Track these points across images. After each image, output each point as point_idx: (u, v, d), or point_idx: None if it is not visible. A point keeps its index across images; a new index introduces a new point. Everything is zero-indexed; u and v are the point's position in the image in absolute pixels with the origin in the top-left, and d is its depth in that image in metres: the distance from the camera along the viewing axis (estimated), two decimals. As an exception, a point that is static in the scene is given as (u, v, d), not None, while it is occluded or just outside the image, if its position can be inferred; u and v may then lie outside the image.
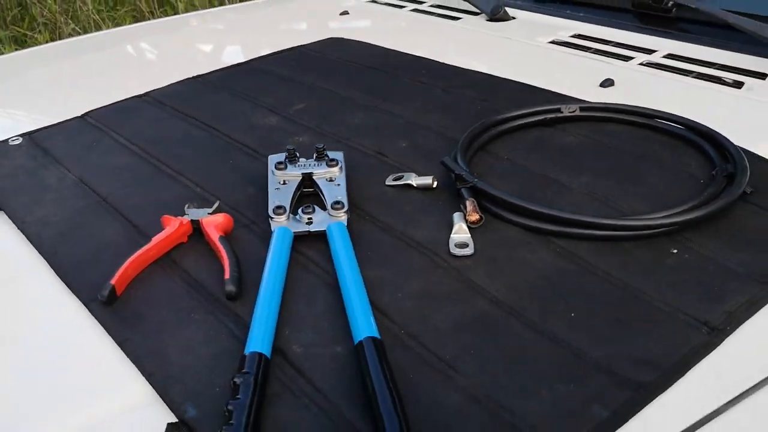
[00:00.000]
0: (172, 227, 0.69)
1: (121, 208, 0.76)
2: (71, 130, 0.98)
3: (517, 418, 0.47)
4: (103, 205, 0.77)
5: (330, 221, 0.68)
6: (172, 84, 1.09)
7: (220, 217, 0.70)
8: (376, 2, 1.50)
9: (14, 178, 0.86)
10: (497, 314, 0.56)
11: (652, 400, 0.48)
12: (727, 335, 0.54)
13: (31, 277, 0.68)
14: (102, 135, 0.95)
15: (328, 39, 1.24)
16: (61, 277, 0.67)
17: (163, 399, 0.52)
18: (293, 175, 0.74)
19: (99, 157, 0.89)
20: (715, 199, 0.67)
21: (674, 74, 1.00)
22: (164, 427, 0.49)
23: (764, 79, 0.97)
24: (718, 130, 0.78)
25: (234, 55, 1.25)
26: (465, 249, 0.64)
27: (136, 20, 3.93)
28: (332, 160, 0.75)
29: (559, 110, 0.85)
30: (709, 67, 1.01)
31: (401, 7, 1.44)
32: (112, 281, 0.63)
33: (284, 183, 0.74)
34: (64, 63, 1.29)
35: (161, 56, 1.34)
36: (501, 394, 0.49)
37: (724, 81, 0.97)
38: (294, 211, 0.70)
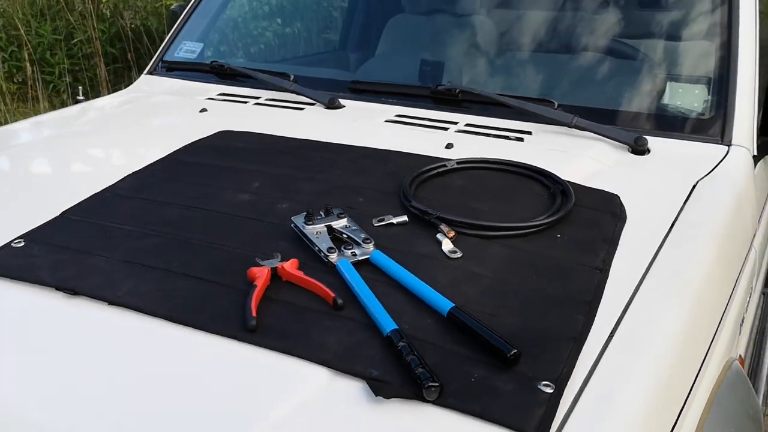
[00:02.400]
0: (262, 274, 0.97)
1: (194, 272, 1.00)
2: (65, 226, 1.14)
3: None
4: (179, 275, 1.00)
5: (367, 251, 1.03)
6: (113, 185, 1.29)
7: (290, 263, 1.00)
8: (213, 99, 1.80)
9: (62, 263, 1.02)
10: (485, 286, 0.98)
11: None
12: (608, 274, 1.02)
13: (175, 332, 0.90)
14: (103, 227, 1.14)
15: (220, 132, 1.52)
16: (197, 327, 0.90)
17: (348, 373, 0.83)
18: (320, 227, 1.07)
19: (127, 242, 1.09)
20: (564, 205, 1.17)
21: (484, 137, 1.52)
22: (363, 384, 0.80)
23: (531, 134, 1.53)
24: (548, 170, 1.30)
25: (137, 157, 1.44)
26: (456, 254, 1.04)
27: None
28: (341, 213, 1.09)
29: (444, 165, 1.30)
30: (496, 130, 1.55)
31: (245, 101, 1.77)
32: (254, 314, 0.90)
33: (318, 234, 1.06)
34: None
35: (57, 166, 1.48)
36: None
37: (510, 138, 1.51)
38: (338, 249, 1.03)
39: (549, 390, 0.80)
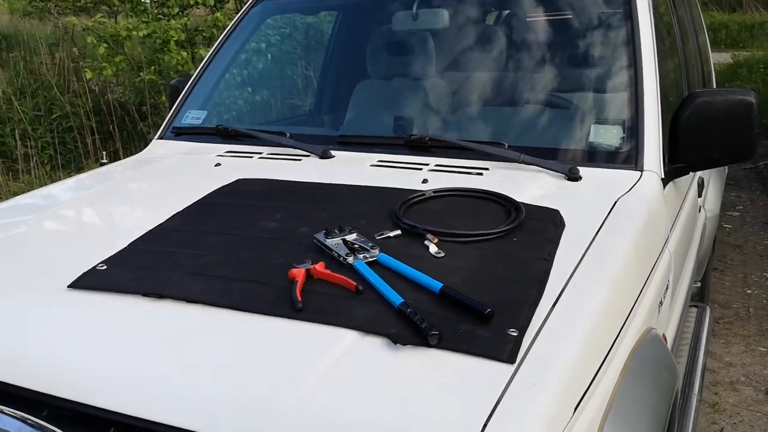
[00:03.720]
0: (300, 273, 1.31)
1: (246, 277, 1.34)
2: (135, 253, 1.47)
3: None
4: (236, 280, 1.34)
5: (374, 255, 1.38)
6: (164, 222, 1.62)
7: (318, 265, 1.34)
8: (222, 156, 2.15)
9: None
10: (464, 274, 1.34)
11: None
12: (552, 263, 1.39)
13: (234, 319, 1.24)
14: (165, 252, 1.47)
15: (238, 180, 1.87)
16: (257, 312, 1.24)
17: (373, 333, 1.17)
18: (337, 240, 1.42)
19: (187, 261, 1.42)
20: (517, 218, 1.55)
21: (451, 173, 1.89)
22: (384, 339, 1.15)
23: (488, 170, 1.91)
24: (506, 193, 1.67)
25: (175, 202, 1.77)
26: (440, 254, 1.40)
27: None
28: (351, 230, 1.45)
29: (423, 194, 1.67)
30: (460, 168, 1.93)
31: (250, 156, 2.13)
32: (299, 299, 1.24)
33: (336, 245, 1.41)
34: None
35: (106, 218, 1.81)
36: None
37: (472, 173, 1.89)
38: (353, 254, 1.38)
39: (514, 333, 1.15)
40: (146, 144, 5.34)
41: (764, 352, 3.59)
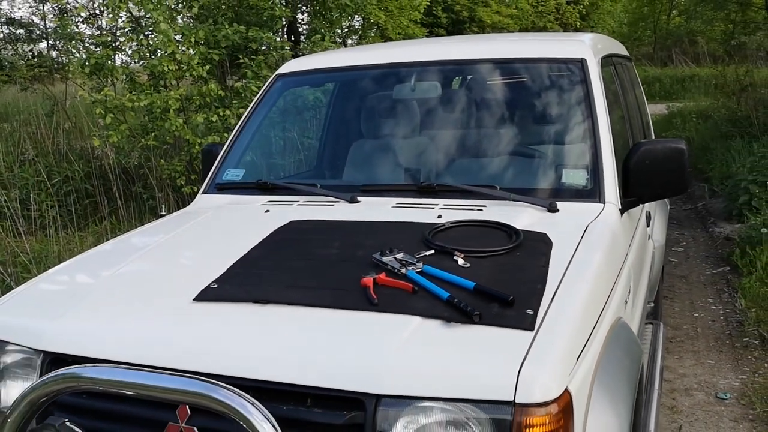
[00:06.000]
0: (369, 281, 1.80)
1: (330, 286, 1.82)
2: (235, 275, 1.94)
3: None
4: (322, 288, 1.82)
5: (420, 267, 1.88)
6: (247, 254, 2.09)
7: (381, 275, 1.83)
8: (266, 204, 2.63)
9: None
10: (486, 277, 1.85)
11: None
12: (548, 269, 1.92)
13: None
14: (257, 273, 1.93)
15: (291, 222, 2.35)
16: (343, 308, 1.72)
17: (431, 317, 1.66)
18: (390, 258, 1.91)
19: (279, 277, 1.89)
20: (518, 239, 2.07)
21: (458, 210, 2.41)
22: (439, 321, 1.65)
23: (486, 206, 2.43)
24: (506, 222, 2.19)
25: (247, 238, 2.23)
26: (467, 265, 1.91)
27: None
28: (397, 251, 1.95)
29: (443, 225, 2.19)
30: (464, 206, 2.45)
31: (290, 204, 2.61)
32: (374, 297, 1.72)
33: (390, 261, 1.90)
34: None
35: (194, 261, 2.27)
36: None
37: (473, 209, 2.41)
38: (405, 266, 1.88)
39: (531, 312, 1.66)
40: (143, 203, 5.75)
41: (712, 364, 4.16)
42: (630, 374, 1.84)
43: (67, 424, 1.56)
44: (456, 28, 20.11)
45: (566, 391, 1.52)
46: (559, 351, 1.57)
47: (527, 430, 1.45)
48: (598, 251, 2.09)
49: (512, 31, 20.55)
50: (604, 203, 2.40)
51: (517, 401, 1.46)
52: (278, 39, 7.01)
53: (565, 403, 1.50)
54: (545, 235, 2.13)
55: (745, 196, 6.50)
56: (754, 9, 16.17)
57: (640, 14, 27.47)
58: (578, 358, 1.63)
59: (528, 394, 1.46)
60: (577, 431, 1.54)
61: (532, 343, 1.57)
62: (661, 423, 3.51)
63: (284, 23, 8.70)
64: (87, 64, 5.61)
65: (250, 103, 3.30)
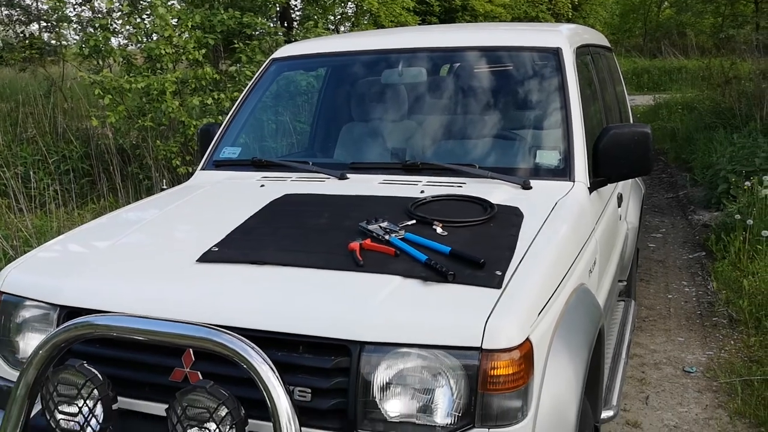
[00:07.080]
0: (356, 245, 2.00)
1: (321, 250, 2.02)
2: (234, 239, 2.13)
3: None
4: (314, 252, 2.02)
5: (402, 234, 2.08)
6: (245, 222, 2.28)
7: (366, 240, 2.03)
8: (260, 180, 2.82)
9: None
10: (462, 244, 2.05)
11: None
12: (517, 238, 2.12)
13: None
14: (256, 238, 2.13)
15: (285, 195, 2.54)
16: (333, 269, 1.92)
17: (411, 276, 1.86)
18: (375, 226, 2.11)
19: (274, 242, 2.09)
20: (492, 212, 2.27)
21: (440, 186, 2.61)
22: (418, 279, 1.86)
23: (465, 183, 2.63)
24: (482, 197, 2.40)
25: (244, 209, 2.43)
26: (445, 233, 2.11)
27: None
28: (382, 220, 2.14)
29: (425, 199, 2.38)
30: (446, 182, 2.64)
31: (284, 180, 2.80)
32: (360, 259, 1.92)
33: (375, 228, 2.10)
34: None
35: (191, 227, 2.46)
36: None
37: (454, 185, 2.61)
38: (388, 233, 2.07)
39: (499, 273, 1.87)
40: (139, 183, 5.92)
41: (682, 342, 4.39)
42: (587, 332, 2.05)
43: (86, 365, 1.75)
44: (448, 16, 20.24)
45: (527, 340, 1.72)
46: (522, 306, 1.78)
47: (492, 372, 1.66)
48: (565, 224, 2.29)
49: (504, 21, 20.73)
50: (574, 182, 2.61)
51: (484, 347, 1.67)
52: (272, 25, 7.17)
53: (526, 351, 1.71)
54: (517, 208, 2.33)
55: (724, 185, 6.72)
56: (742, 3, 16.43)
57: (632, 5, 27.70)
58: (539, 313, 1.83)
59: (494, 341, 1.67)
60: (537, 376, 1.75)
61: (498, 299, 1.77)
62: (630, 393, 3.74)
63: (278, 9, 8.85)
64: (85, 46, 5.76)
65: (244, 87, 3.49)
